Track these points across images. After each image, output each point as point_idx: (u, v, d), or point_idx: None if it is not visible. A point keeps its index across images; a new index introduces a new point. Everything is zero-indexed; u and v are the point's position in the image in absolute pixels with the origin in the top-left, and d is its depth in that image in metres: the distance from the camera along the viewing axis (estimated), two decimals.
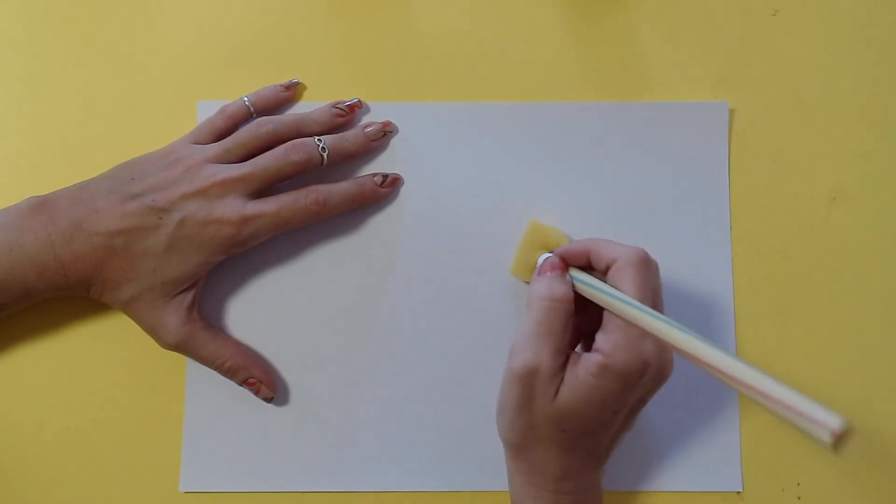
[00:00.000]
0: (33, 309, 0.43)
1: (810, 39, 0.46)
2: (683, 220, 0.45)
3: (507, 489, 0.40)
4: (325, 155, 0.42)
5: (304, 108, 0.45)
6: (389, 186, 0.44)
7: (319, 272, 0.44)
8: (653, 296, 0.37)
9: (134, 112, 0.46)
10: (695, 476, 0.43)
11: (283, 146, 0.42)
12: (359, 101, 0.45)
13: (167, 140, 0.45)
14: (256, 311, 0.44)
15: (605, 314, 0.37)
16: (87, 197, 0.40)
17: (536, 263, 0.41)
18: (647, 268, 0.37)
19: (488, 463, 0.43)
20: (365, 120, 0.45)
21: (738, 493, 0.43)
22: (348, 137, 0.44)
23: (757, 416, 0.43)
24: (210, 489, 0.43)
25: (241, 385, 0.42)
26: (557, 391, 0.36)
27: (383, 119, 0.45)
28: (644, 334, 0.36)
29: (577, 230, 0.44)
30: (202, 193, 0.40)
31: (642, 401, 0.38)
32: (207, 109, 0.45)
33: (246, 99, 0.44)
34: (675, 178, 0.45)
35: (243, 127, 0.43)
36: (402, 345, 0.44)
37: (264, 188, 0.42)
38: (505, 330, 0.44)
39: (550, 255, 0.41)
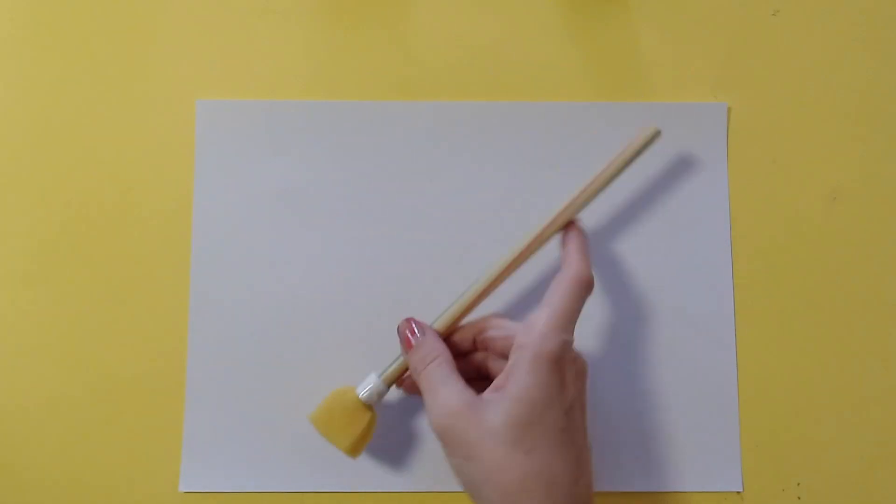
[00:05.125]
0: (32, 309, 0.43)
1: (810, 39, 0.46)
2: (683, 220, 0.45)
3: None
4: None
5: (304, 107, 0.45)
6: None
7: (318, 273, 0.44)
8: (574, 302, 0.38)
9: (132, 111, 0.46)
10: (695, 476, 0.43)
11: None
12: None
13: (165, 139, 0.45)
14: (255, 313, 0.44)
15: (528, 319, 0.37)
16: None
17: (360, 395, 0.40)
18: (585, 287, 0.38)
19: None
20: (353, 122, 0.45)
21: (738, 493, 0.43)
22: None
23: (757, 416, 0.43)
24: (210, 489, 0.43)
25: None
26: (495, 411, 0.35)
27: (386, 117, 0.45)
28: (562, 325, 0.36)
29: None
30: None
31: (584, 402, 0.38)
32: (206, 108, 0.45)
33: None
34: (675, 179, 0.45)
35: None
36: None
37: None
38: None
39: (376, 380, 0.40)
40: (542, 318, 0.36)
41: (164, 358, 0.43)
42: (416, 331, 0.39)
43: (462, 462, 0.35)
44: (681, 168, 0.45)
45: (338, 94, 0.46)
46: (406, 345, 0.40)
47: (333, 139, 0.45)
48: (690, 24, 0.46)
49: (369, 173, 0.45)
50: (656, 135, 0.42)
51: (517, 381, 0.35)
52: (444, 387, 0.37)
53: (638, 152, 0.42)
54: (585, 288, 0.38)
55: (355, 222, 0.45)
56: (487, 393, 0.36)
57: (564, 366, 0.36)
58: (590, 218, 0.44)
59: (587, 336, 0.44)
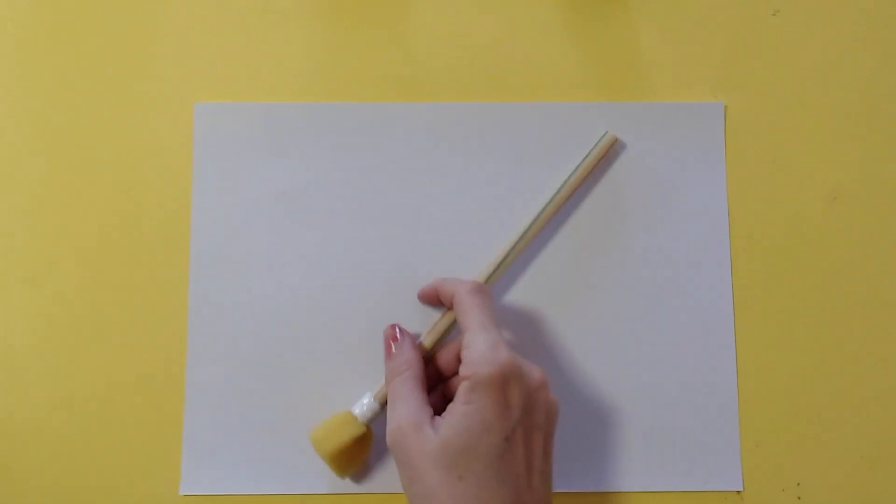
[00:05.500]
0: (32, 309, 0.43)
1: (810, 39, 0.46)
2: (682, 220, 0.45)
3: None
4: None
5: (303, 109, 0.45)
6: None
7: (317, 275, 0.44)
8: (488, 316, 0.38)
9: (131, 114, 0.45)
10: (695, 476, 0.43)
11: None
12: None
13: (164, 142, 0.45)
14: (254, 315, 0.44)
15: (462, 351, 0.38)
16: None
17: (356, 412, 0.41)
18: (479, 293, 0.39)
19: None
20: (357, 119, 0.45)
21: (738, 492, 0.43)
22: None
23: (757, 416, 0.43)
24: (211, 492, 0.43)
25: None
26: (434, 435, 0.36)
27: (385, 119, 0.45)
28: (496, 345, 0.36)
29: (576, 229, 0.44)
30: None
31: (533, 424, 0.37)
32: (205, 111, 0.45)
33: None
34: (674, 179, 0.45)
35: None
36: None
37: None
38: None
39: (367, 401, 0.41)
40: (476, 344, 0.37)
41: (163, 361, 0.43)
42: (397, 337, 0.41)
43: (407, 482, 0.36)
44: (680, 168, 0.45)
45: (337, 95, 0.46)
46: (387, 352, 0.41)
47: (332, 141, 0.45)
48: (690, 24, 0.46)
49: (369, 175, 0.45)
50: (611, 140, 0.44)
51: (454, 408, 0.36)
52: (402, 403, 0.38)
53: (597, 160, 0.44)
54: (481, 292, 0.39)
55: (354, 224, 0.44)
56: (438, 417, 0.37)
57: (508, 386, 0.36)
58: (589, 217, 0.44)
59: (586, 336, 0.44)
